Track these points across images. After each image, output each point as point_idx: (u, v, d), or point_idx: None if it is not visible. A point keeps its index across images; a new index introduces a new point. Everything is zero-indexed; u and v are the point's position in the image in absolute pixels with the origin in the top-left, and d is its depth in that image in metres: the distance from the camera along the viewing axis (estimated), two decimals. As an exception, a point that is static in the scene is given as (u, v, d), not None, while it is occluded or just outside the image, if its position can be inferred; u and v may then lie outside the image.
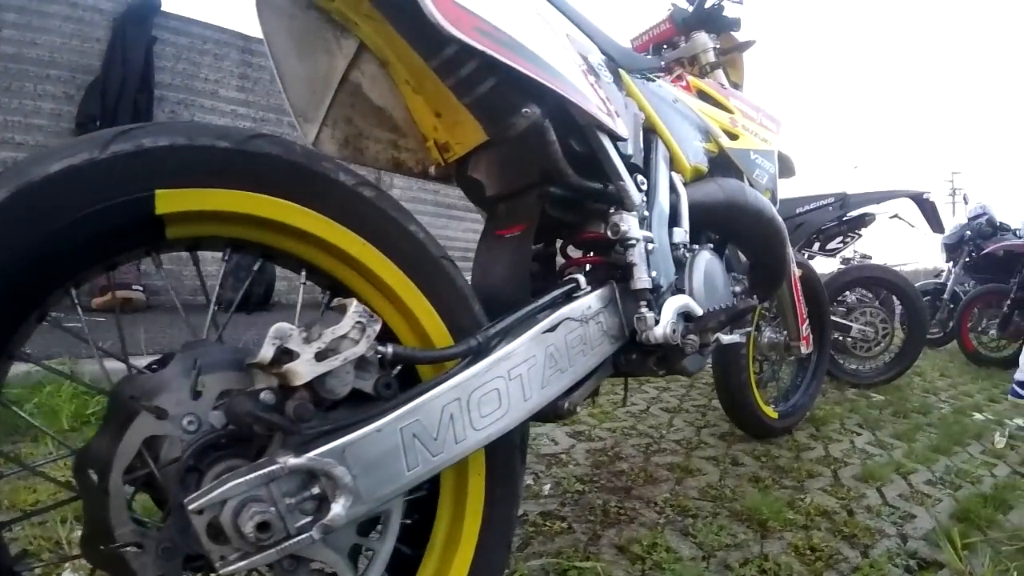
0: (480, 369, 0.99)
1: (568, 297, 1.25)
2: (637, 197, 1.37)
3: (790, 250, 2.11)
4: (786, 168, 2.71)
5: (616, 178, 1.33)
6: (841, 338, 3.96)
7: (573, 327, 1.20)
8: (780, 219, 1.95)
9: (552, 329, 1.14)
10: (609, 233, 1.34)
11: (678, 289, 1.52)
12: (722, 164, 1.90)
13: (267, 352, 0.80)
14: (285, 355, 0.81)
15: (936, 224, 4.25)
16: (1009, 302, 5.34)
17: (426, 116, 1.31)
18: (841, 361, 4.09)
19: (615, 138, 1.34)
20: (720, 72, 2.25)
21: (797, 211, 3.91)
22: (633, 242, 1.33)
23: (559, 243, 1.61)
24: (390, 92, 1.30)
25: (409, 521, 1.08)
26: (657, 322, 1.35)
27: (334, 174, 0.93)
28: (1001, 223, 6.59)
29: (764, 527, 1.83)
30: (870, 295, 4.29)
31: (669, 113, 1.71)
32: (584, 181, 1.30)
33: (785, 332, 2.61)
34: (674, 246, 1.54)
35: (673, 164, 1.67)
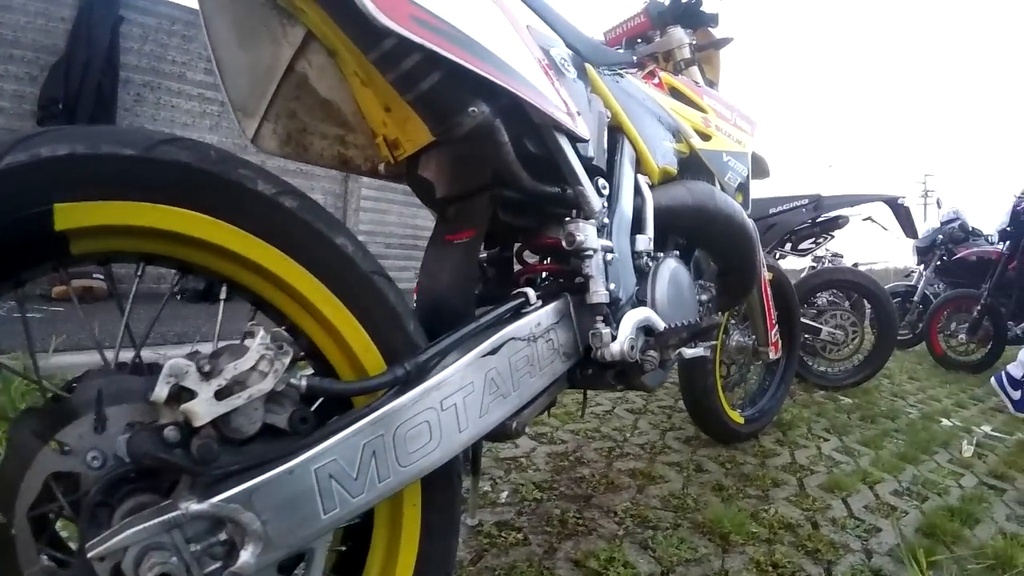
0: (407, 401, 0.91)
1: (516, 313, 1.16)
2: (597, 203, 1.30)
3: (760, 256, 2.04)
4: (760, 169, 2.65)
5: (574, 182, 1.25)
6: (810, 340, 3.92)
7: (519, 347, 1.12)
8: (751, 225, 1.88)
9: (494, 351, 1.06)
10: (564, 243, 1.25)
11: (639, 300, 1.45)
12: (693, 166, 1.83)
13: (161, 392, 0.72)
14: (185, 392, 0.73)
15: (910, 229, 4.23)
16: (979, 307, 5.34)
17: (375, 111, 1.22)
18: (810, 363, 4.06)
19: (575, 139, 1.26)
20: (695, 69, 2.17)
21: (770, 212, 3.86)
22: (590, 253, 1.25)
23: (517, 247, 1.53)
24: (338, 84, 1.20)
25: (344, 548, 1.01)
26: (614, 338, 1.27)
27: (251, 183, 0.84)
28: (973, 228, 6.63)
29: (726, 541, 1.76)
30: (841, 297, 4.27)
31: (638, 111, 1.63)
32: (539, 185, 1.22)
33: (753, 336, 2.54)
34: (636, 254, 1.47)
35: (640, 165, 1.60)
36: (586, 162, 1.31)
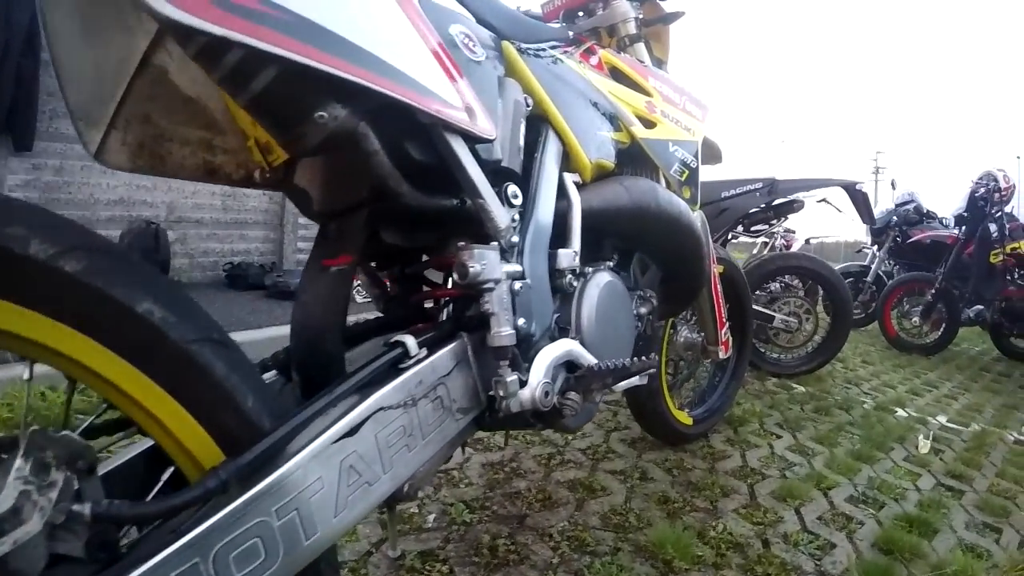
0: (227, 518, 0.68)
1: (393, 369, 0.95)
2: (502, 217, 1.08)
3: (710, 258, 1.86)
4: (711, 155, 2.47)
5: (472, 194, 1.04)
6: (764, 328, 3.79)
7: (391, 418, 0.90)
8: (699, 225, 1.69)
9: (353, 431, 0.83)
10: (456, 275, 1.03)
11: (561, 329, 1.25)
12: (634, 158, 1.63)
13: None
14: None
15: (867, 216, 4.11)
16: (934, 292, 5.30)
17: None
18: (763, 350, 3.93)
19: (474, 139, 1.04)
20: (641, 46, 1.93)
21: (722, 195, 3.70)
22: (490, 285, 1.04)
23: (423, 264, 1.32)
24: (204, 78, 0.95)
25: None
26: (524, 384, 1.06)
27: (21, 245, 0.62)
28: (928, 211, 6.58)
29: (669, 567, 1.60)
30: (795, 283, 4.15)
31: (568, 97, 1.42)
32: (429, 199, 1.01)
33: (703, 333, 2.37)
34: (558, 273, 1.26)
35: (569, 161, 1.39)
36: (491, 166, 1.10)
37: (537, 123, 1.33)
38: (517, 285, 1.10)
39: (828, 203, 4.38)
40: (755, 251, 12.24)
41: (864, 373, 4.41)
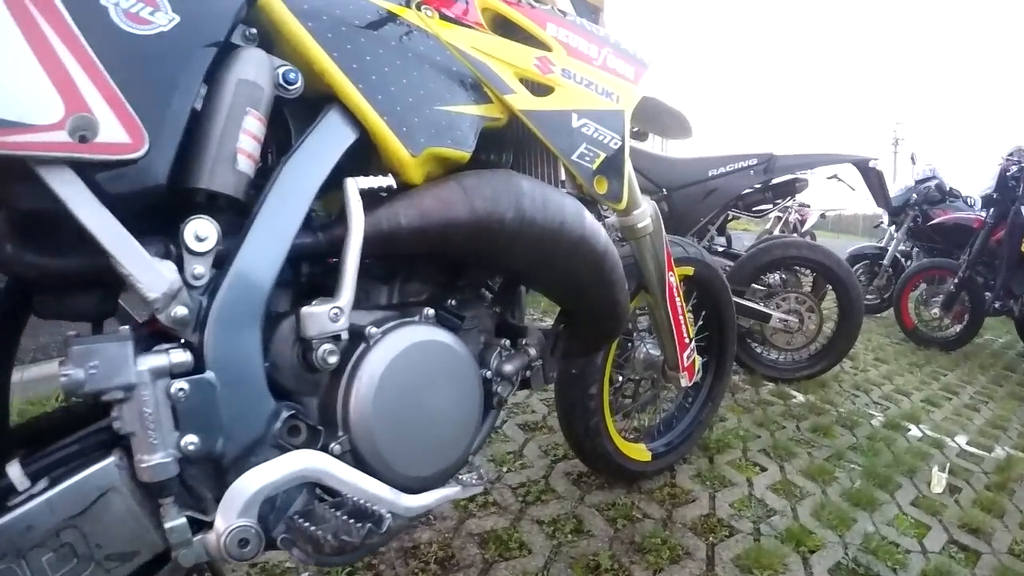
0: None
1: None
2: (151, 281, 0.70)
3: (625, 295, 1.34)
4: (678, 127, 1.97)
5: (96, 249, 0.67)
6: (759, 327, 3.27)
7: None
8: (605, 242, 1.20)
9: None
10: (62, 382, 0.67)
11: (312, 429, 0.87)
12: (519, 142, 1.21)
13: None
14: None
15: (882, 198, 3.56)
16: (957, 281, 4.73)
17: None
18: (759, 350, 3.42)
19: (103, 165, 0.66)
20: None
21: (710, 174, 3.19)
22: (115, 395, 0.69)
23: None
24: None
25: None
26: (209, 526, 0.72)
27: None
28: (951, 188, 6.00)
29: None
30: (797, 275, 3.63)
31: (381, 60, 0.97)
32: (53, 261, 0.69)
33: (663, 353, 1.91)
34: (305, 344, 0.86)
35: (379, 157, 0.97)
36: (140, 197, 0.71)
37: (319, 105, 0.92)
38: (180, 386, 0.71)
39: (840, 180, 3.84)
40: (768, 226, 11.61)
41: (876, 375, 3.90)
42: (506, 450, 2.23)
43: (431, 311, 1.06)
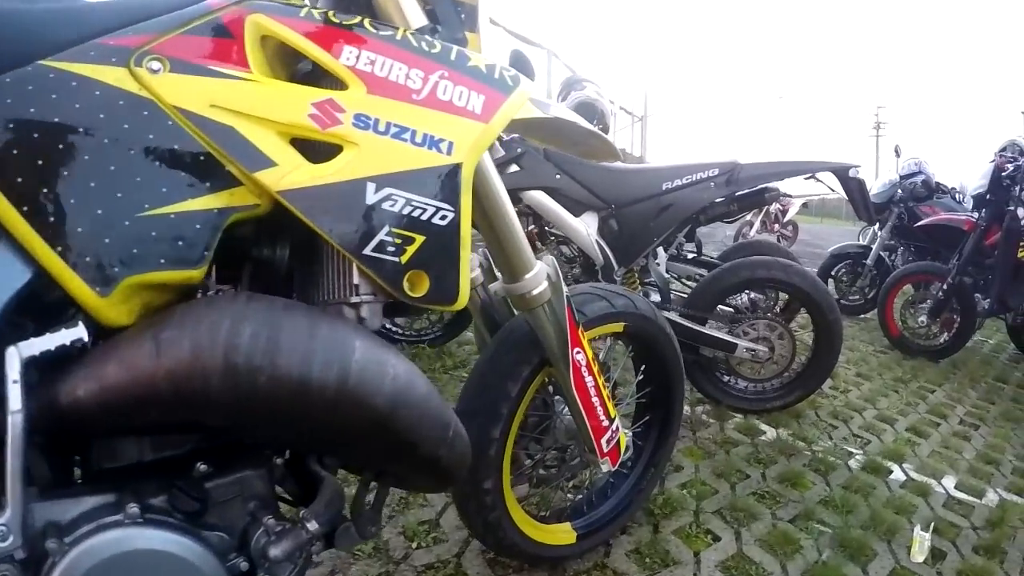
0: None
1: None
2: None
3: (452, 446, 0.96)
4: (604, 150, 1.63)
5: None
6: (724, 356, 2.93)
7: None
8: (419, 388, 0.86)
9: None
10: None
11: None
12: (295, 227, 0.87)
13: None
14: None
15: (864, 209, 3.17)
16: (945, 287, 4.39)
17: None
18: (726, 379, 3.07)
19: None
20: None
21: (664, 187, 2.84)
22: None
23: None
24: None
25: None
26: None
27: None
28: (938, 184, 5.69)
29: None
30: (768, 296, 3.30)
31: (51, 163, 0.72)
32: None
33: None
34: None
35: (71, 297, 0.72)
36: None
37: None
38: None
39: (818, 180, 3.48)
40: (749, 217, 11.24)
41: (857, 397, 3.57)
42: (421, 518, 1.91)
43: (135, 508, 0.74)
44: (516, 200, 2.85)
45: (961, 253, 4.42)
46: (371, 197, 0.85)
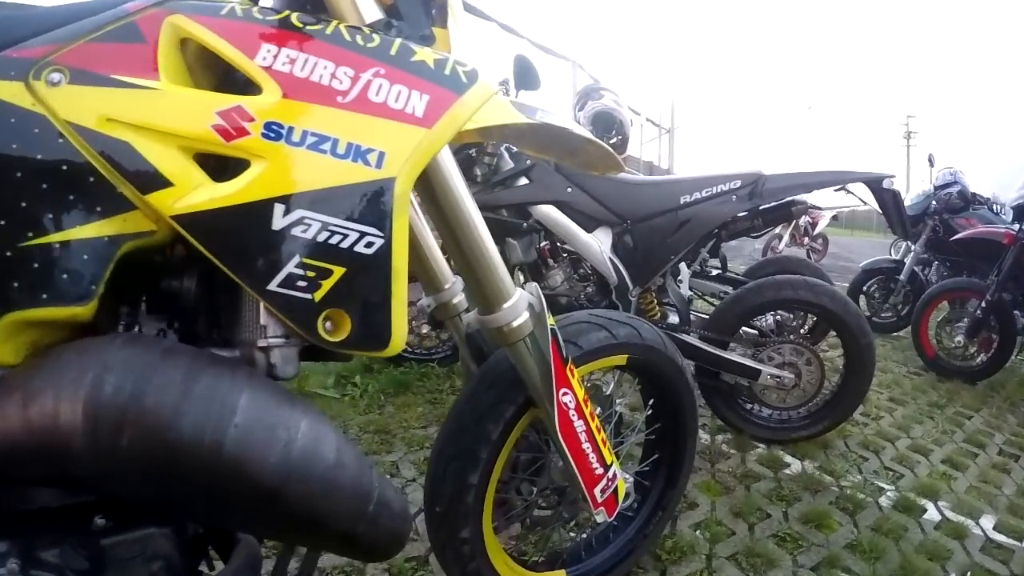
0: None
1: None
2: None
3: (374, 520, 0.81)
4: (606, 161, 1.47)
5: None
6: (747, 383, 2.75)
7: None
8: (327, 454, 0.72)
9: None
10: None
11: None
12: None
13: None
14: None
15: (899, 223, 2.98)
16: (983, 305, 4.17)
17: None
18: (749, 406, 2.89)
19: None
20: None
21: (681, 201, 2.68)
22: None
23: None
24: None
25: None
26: None
27: None
28: (975, 194, 5.44)
29: None
30: (796, 317, 3.10)
31: None
32: None
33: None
34: None
35: None
36: None
37: None
38: None
39: (848, 192, 3.28)
40: (778, 230, 10.93)
41: (889, 425, 3.37)
42: (409, 554, 1.77)
43: (15, 564, 0.64)
44: (526, 215, 2.72)
45: (1000, 268, 4.19)
46: (279, 221, 0.71)
